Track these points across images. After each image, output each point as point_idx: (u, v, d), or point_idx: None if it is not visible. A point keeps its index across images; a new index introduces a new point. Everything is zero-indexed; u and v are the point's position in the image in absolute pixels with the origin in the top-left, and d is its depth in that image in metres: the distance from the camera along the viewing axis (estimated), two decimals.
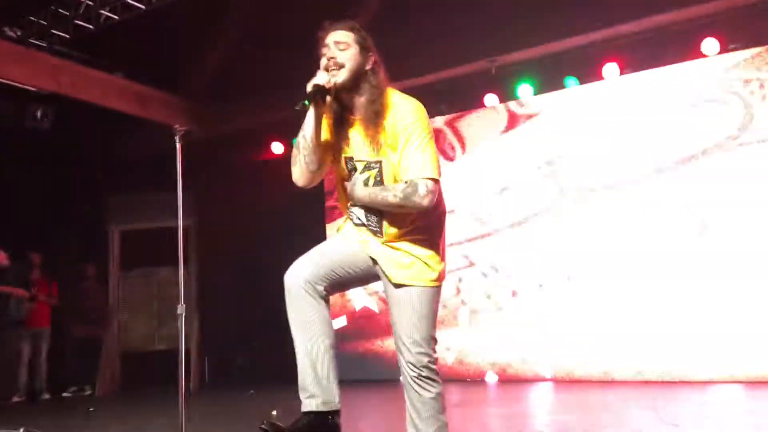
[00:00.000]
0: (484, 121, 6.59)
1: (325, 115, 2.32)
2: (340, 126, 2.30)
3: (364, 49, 2.26)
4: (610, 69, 5.91)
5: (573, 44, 6.00)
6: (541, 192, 6.22)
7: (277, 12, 6.52)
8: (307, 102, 2.18)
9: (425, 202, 2.15)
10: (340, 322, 7.07)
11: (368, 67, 2.26)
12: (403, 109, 2.22)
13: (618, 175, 5.87)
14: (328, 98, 2.24)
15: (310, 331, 2.20)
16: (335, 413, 2.23)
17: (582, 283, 5.93)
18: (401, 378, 2.29)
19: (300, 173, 2.33)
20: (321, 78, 2.20)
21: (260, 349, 7.31)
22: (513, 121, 6.44)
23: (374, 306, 7.00)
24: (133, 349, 8.21)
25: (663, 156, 5.69)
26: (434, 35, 6.05)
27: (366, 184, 2.28)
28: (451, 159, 6.66)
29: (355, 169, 2.30)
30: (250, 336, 7.50)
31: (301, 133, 2.28)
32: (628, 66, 5.90)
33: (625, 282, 5.73)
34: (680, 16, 5.57)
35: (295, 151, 2.31)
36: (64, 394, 7.35)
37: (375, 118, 2.21)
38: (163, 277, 8.46)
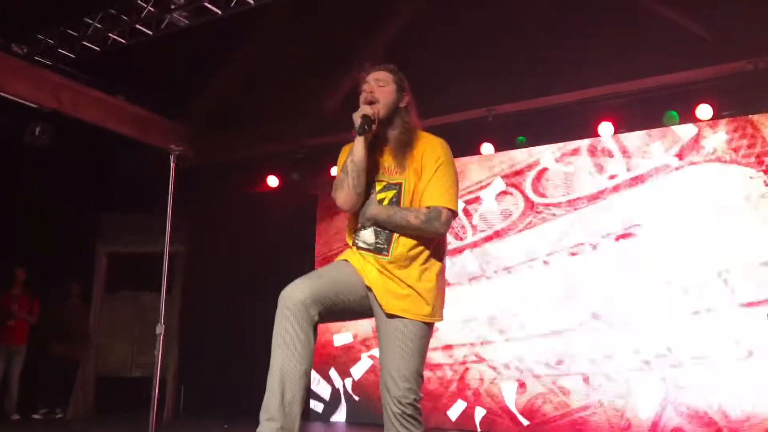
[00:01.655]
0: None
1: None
2: (371, 153, 2.43)
3: (400, 88, 2.48)
4: (605, 127, 5.99)
5: (569, 99, 6.10)
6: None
7: (280, 49, 6.64)
8: (366, 128, 2.36)
9: (443, 229, 2.33)
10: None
11: (402, 104, 2.47)
12: (434, 143, 2.43)
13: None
14: (374, 126, 2.39)
15: (290, 351, 2.16)
16: None
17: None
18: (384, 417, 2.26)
19: (347, 196, 2.38)
20: (366, 110, 2.38)
21: (237, 384, 7.20)
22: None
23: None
24: (109, 373, 8.06)
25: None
26: (434, 81, 6.14)
27: (380, 204, 2.38)
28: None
29: (374, 190, 2.41)
30: (228, 369, 7.39)
31: (349, 158, 2.38)
32: (623, 125, 5.99)
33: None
34: (676, 79, 5.70)
35: (342, 175, 2.39)
36: (35, 416, 7.18)
37: (404, 146, 2.40)
38: (146, 302, 8.36)
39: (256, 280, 6.98)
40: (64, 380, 7.45)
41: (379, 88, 2.43)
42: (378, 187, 2.41)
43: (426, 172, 2.36)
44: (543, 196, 6.25)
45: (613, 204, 5.93)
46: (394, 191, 2.38)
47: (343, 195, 2.38)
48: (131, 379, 8.06)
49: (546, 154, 6.32)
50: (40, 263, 7.60)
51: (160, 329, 3.42)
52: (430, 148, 2.40)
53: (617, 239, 5.83)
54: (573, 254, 5.99)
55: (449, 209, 2.33)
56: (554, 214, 6.16)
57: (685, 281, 5.52)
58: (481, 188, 6.58)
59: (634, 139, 5.97)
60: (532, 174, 6.34)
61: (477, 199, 6.58)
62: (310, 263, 7.13)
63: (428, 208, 2.32)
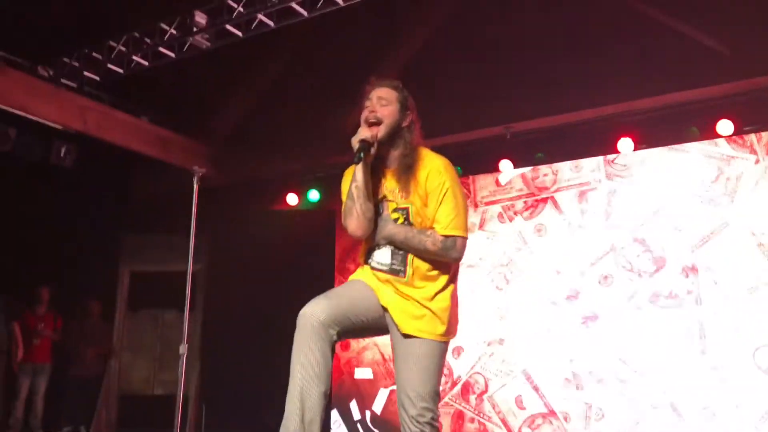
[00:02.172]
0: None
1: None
2: (374, 175, 2.42)
3: (403, 107, 2.44)
4: (625, 143, 5.95)
5: (588, 116, 6.09)
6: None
7: (300, 69, 6.71)
8: (362, 155, 2.32)
9: (459, 256, 2.35)
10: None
11: (405, 124, 2.42)
12: (436, 165, 2.37)
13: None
14: (373, 150, 2.37)
15: (309, 372, 2.17)
16: None
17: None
18: None
19: (357, 223, 2.40)
20: (365, 134, 2.34)
21: (258, 402, 7.20)
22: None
23: None
24: (131, 391, 8.11)
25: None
26: (452, 99, 6.17)
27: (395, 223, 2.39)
28: None
29: (386, 210, 2.42)
30: (250, 387, 7.40)
31: (353, 185, 2.38)
32: (643, 141, 5.96)
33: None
34: (696, 95, 5.67)
35: (349, 202, 2.40)
36: None
37: (407, 169, 2.36)
38: (168, 320, 8.44)
39: (277, 297, 6.99)
40: (86, 398, 7.51)
41: (382, 107, 2.40)
42: (390, 207, 2.41)
43: (432, 198, 2.33)
44: (580, 215, 6.11)
45: (650, 234, 5.77)
46: (404, 215, 2.38)
47: (354, 222, 2.40)
48: (154, 397, 8.11)
49: (587, 173, 6.18)
50: (64, 282, 7.70)
51: (183, 349, 3.44)
52: (434, 171, 2.35)
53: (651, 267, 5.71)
54: (605, 278, 5.85)
55: (462, 237, 2.34)
56: (589, 235, 6.02)
57: (709, 324, 5.35)
58: (515, 200, 6.48)
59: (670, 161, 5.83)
60: (573, 192, 6.20)
61: (509, 208, 6.48)
62: (330, 280, 7.15)
63: (444, 236, 2.30)
